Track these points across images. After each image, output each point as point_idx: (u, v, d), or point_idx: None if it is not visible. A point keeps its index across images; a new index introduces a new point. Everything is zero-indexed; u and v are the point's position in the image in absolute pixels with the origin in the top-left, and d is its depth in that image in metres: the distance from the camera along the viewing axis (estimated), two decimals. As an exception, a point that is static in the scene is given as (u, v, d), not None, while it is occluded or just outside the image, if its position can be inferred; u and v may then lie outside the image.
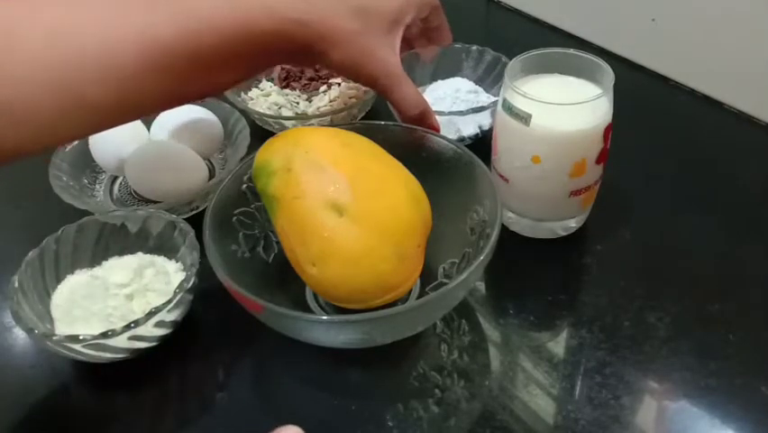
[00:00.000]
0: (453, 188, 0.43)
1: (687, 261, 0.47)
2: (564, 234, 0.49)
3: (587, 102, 0.41)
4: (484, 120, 0.56)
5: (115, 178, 0.57)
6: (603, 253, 0.48)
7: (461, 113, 0.54)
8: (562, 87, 0.45)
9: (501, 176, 0.47)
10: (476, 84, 0.60)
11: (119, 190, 0.56)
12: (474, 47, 0.61)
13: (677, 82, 0.65)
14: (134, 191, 0.55)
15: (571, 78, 0.46)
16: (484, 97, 0.59)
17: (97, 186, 0.56)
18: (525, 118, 0.42)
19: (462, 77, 0.62)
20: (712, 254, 0.48)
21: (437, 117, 0.52)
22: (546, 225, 0.48)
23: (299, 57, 0.41)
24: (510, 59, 0.46)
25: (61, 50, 0.33)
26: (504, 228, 0.49)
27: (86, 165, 0.56)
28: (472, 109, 0.54)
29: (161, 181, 0.51)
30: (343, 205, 0.36)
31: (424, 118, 0.45)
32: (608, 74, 0.43)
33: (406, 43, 0.52)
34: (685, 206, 0.52)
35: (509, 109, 0.43)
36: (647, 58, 0.67)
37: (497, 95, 0.52)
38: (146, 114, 0.39)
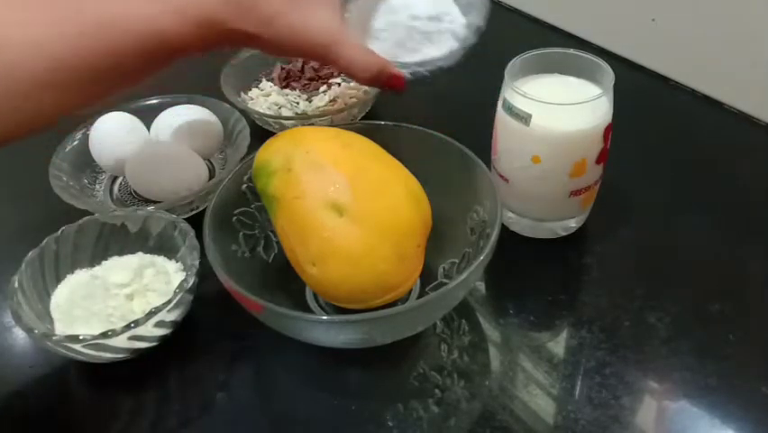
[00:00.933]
0: (453, 188, 0.43)
1: (687, 261, 0.47)
2: (564, 234, 0.49)
3: (587, 102, 0.41)
4: (435, 51, 0.45)
5: (115, 178, 0.57)
6: (603, 253, 0.48)
7: (404, 65, 0.44)
8: (562, 87, 0.45)
9: (501, 176, 0.47)
10: None
11: (119, 190, 0.56)
12: None
13: (677, 82, 0.65)
14: (134, 191, 0.55)
15: (571, 78, 0.46)
16: (446, 24, 0.45)
17: (97, 186, 0.56)
18: (525, 118, 0.42)
19: None
20: (712, 254, 0.48)
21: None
22: (546, 225, 0.48)
23: (220, 48, 0.39)
24: (506, 62, 0.45)
25: None
26: (504, 228, 0.49)
27: (86, 165, 0.56)
28: (417, 63, 0.44)
29: (161, 181, 0.51)
30: (343, 205, 0.36)
31: (380, 77, 0.41)
32: (608, 74, 0.43)
33: None
34: (685, 206, 0.52)
35: (509, 109, 0.43)
36: (647, 58, 0.67)
37: (470, 18, 0.44)
38: (48, 122, 0.36)
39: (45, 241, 0.43)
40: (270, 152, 0.39)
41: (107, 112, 0.55)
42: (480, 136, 0.57)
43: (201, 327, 0.44)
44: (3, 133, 0.34)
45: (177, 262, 0.45)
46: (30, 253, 0.43)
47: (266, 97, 0.63)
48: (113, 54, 0.34)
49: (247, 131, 0.55)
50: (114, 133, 0.54)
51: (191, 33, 0.35)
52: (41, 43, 0.33)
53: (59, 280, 0.44)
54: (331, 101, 0.62)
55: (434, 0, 0.45)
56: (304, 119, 0.58)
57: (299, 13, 0.38)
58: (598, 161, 0.44)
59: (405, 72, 0.42)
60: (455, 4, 0.46)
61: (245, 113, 0.58)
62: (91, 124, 0.55)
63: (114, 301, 0.41)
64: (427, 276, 0.42)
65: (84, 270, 0.45)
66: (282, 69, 0.66)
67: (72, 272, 0.45)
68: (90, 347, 0.38)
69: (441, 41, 0.44)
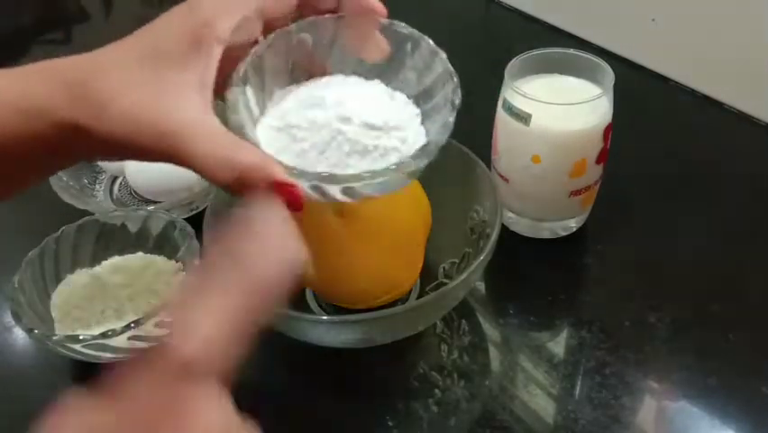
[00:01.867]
0: (453, 188, 0.43)
1: (687, 261, 0.47)
2: (564, 234, 0.49)
3: (587, 102, 0.41)
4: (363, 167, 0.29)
5: (115, 178, 0.57)
6: (603, 253, 0.48)
7: (304, 174, 0.27)
8: (562, 87, 0.45)
9: (501, 176, 0.47)
10: (416, 102, 0.31)
11: (119, 190, 0.56)
12: (427, 43, 0.31)
13: (677, 82, 0.65)
14: (134, 191, 0.55)
15: (571, 78, 0.46)
16: (393, 141, 0.29)
17: (97, 186, 0.56)
18: (525, 118, 0.42)
19: (396, 86, 0.32)
20: (712, 254, 0.48)
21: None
22: (546, 225, 0.48)
23: (69, 156, 0.30)
24: (506, 62, 0.45)
25: None
26: (504, 228, 0.49)
27: (86, 165, 0.56)
28: (323, 177, 0.27)
29: (161, 181, 0.51)
30: (343, 205, 0.36)
31: (248, 182, 0.26)
32: (608, 74, 0.43)
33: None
34: (685, 205, 0.52)
35: (509, 109, 0.43)
36: (647, 58, 0.67)
37: (435, 133, 0.29)
38: None
39: (45, 241, 0.43)
40: (270, 152, 0.39)
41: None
42: (480, 136, 0.57)
43: (201, 327, 0.44)
44: None
45: (177, 262, 0.45)
46: (30, 253, 0.43)
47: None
48: None
49: (247, 131, 0.55)
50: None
51: (25, 131, 0.27)
52: None
53: (59, 280, 0.44)
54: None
55: (386, 104, 0.31)
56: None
57: (143, 94, 0.27)
58: (598, 161, 0.44)
59: (303, 184, 0.27)
60: (419, 115, 0.31)
61: (245, 113, 0.58)
62: (91, 124, 0.55)
63: (114, 301, 0.41)
64: (427, 276, 0.42)
65: (84, 270, 0.45)
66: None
67: (72, 272, 0.45)
68: (90, 347, 0.38)
69: (376, 159, 0.29)
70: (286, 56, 0.31)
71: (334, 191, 0.28)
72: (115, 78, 0.27)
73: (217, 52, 0.28)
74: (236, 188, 0.26)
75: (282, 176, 0.26)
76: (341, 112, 0.29)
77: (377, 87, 0.31)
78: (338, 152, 0.29)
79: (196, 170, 0.27)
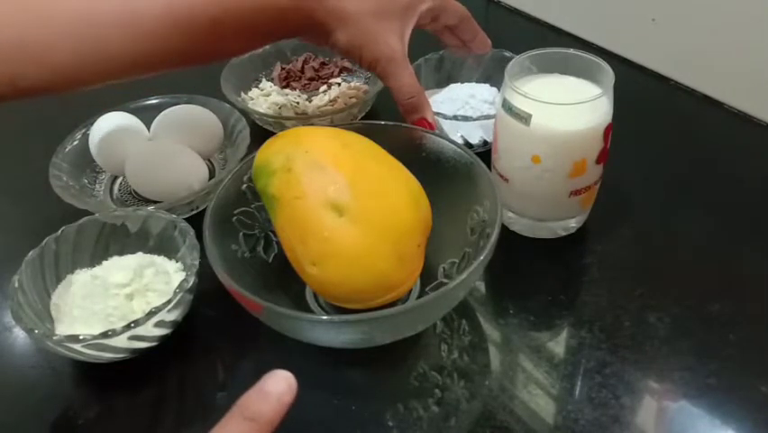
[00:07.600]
0: (453, 188, 0.43)
1: (687, 261, 0.47)
2: (564, 234, 0.49)
3: (587, 102, 0.41)
4: (491, 131, 0.53)
5: (115, 178, 0.57)
6: (603, 253, 0.48)
7: (465, 118, 0.53)
8: (562, 87, 0.45)
9: (501, 176, 0.47)
10: None
11: (119, 190, 0.56)
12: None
13: (677, 82, 0.65)
14: (134, 191, 0.55)
15: (571, 78, 0.46)
16: (494, 110, 0.53)
17: (97, 186, 0.56)
18: (525, 118, 0.42)
19: (498, 88, 0.56)
20: (712, 254, 0.48)
21: (440, 120, 0.52)
22: (546, 225, 0.48)
23: (310, 33, 0.44)
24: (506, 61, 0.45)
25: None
26: (504, 228, 0.49)
27: (86, 165, 0.56)
28: (473, 117, 0.53)
29: (161, 181, 0.51)
30: (343, 205, 0.36)
31: (415, 109, 0.45)
32: (608, 74, 0.43)
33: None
34: (685, 206, 0.52)
35: (509, 109, 0.43)
36: (647, 58, 0.67)
37: None
38: (157, 71, 0.40)
39: (45, 241, 0.43)
40: (270, 152, 0.39)
41: (107, 112, 0.55)
42: (480, 136, 0.57)
43: (201, 327, 0.44)
44: (122, 71, 0.38)
45: (177, 262, 0.45)
46: (30, 253, 0.43)
47: (266, 97, 0.63)
48: (229, 12, 0.39)
49: (247, 131, 0.55)
50: (114, 133, 0.54)
51: (294, 7, 0.40)
52: None
53: (59, 280, 0.44)
54: (331, 101, 0.62)
55: (492, 92, 0.56)
56: (304, 119, 0.58)
57: (378, 24, 0.43)
58: (598, 161, 0.44)
59: (437, 120, 0.50)
60: None
61: (245, 113, 0.58)
62: (91, 124, 0.55)
63: (114, 301, 0.41)
64: (427, 276, 0.42)
65: (84, 270, 0.45)
66: (282, 69, 0.66)
67: (72, 272, 0.45)
68: (90, 347, 0.38)
69: (486, 121, 0.53)
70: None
71: (471, 132, 0.54)
72: (357, 6, 0.42)
73: (415, 21, 0.45)
74: (408, 105, 0.45)
75: (431, 116, 0.47)
76: (470, 93, 0.55)
77: (487, 86, 0.58)
78: (464, 112, 0.54)
79: (391, 83, 0.45)
